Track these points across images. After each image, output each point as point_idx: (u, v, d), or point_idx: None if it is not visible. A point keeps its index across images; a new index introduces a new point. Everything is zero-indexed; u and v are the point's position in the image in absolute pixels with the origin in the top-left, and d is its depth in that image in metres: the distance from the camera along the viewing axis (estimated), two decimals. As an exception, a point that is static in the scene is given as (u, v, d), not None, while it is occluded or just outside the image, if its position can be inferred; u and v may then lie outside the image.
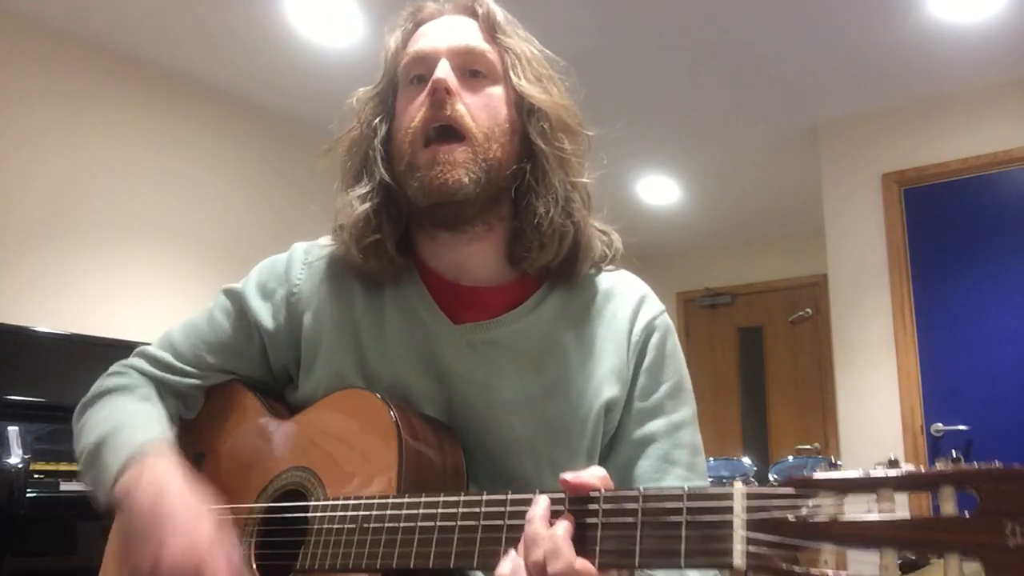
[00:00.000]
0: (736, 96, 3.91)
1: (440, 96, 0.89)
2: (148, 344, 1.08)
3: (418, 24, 0.99)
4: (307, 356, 0.97)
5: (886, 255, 3.85)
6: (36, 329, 2.92)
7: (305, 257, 1.03)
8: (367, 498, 0.80)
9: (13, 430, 2.59)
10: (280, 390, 1.03)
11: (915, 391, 3.67)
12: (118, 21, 3.34)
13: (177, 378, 1.03)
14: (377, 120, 0.97)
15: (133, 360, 1.06)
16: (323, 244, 1.03)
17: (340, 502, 0.83)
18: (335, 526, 0.81)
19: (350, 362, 0.94)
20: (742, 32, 3.37)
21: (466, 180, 0.88)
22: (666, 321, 0.99)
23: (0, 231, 3.11)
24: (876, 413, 3.72)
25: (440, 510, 0.74)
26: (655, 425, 0.93)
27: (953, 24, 3.29)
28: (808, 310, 5.16)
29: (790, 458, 3.09)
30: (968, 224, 3.73)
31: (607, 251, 1.00)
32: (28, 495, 2.48)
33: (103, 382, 1.04)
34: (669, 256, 6.34)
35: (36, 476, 2.52)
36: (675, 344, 0.99)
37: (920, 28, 3.31)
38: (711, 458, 3.21)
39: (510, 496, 0.71)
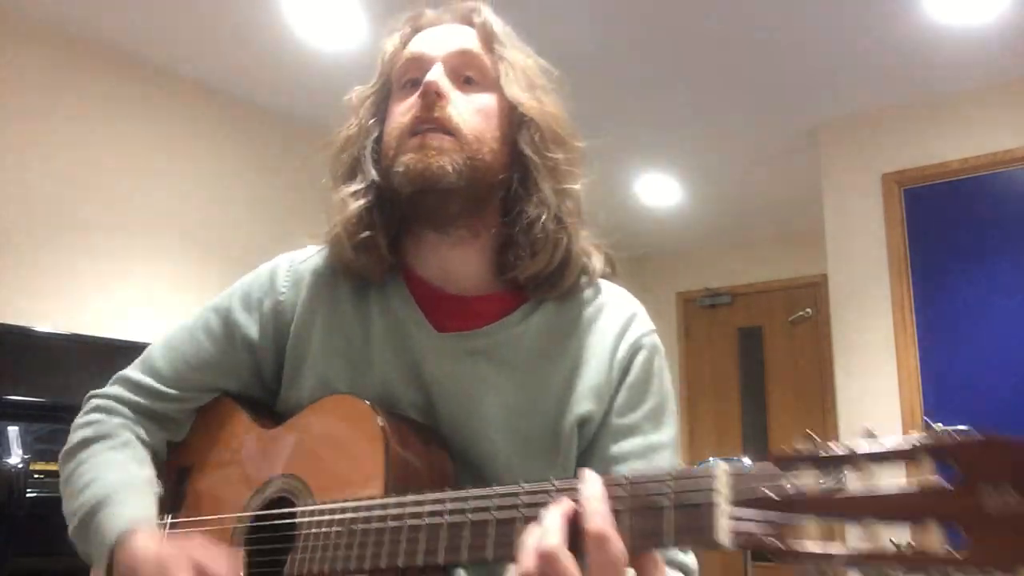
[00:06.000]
0: (736, 96, 3.91)
1: (431, 98, 0.90)
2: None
3: (416, 30, 1.00)
4: (294, 362, 0.97)
5: (886, 255, 3.85)
6: (36, 329, 2.92)
7: (290, 266, 1.02)
8: (355, 500, 0.80)
9: (13, 430, 2.59)
10: (269, 401, 1.02)
11: (915, 391, 3.67)
12: (118, 21, 3.34)
13: (163, 404, 1.01)
14: (372, 121, 0.97)
15: (113, 389, 1.03)
16: (308, 252, 1.03)
17: (327, 506, 0.82)
18: (323, 530, 0.81)
19: (338, 367, 0.94)
20: (742, 32, 3.37)
21: (449, 168, 0.88)
22: (655, 341, 0.97)
23: (0, 231, 3.12)
24: (876, 413, 3.72)
25: (427, 507, 0.74)
26: (631, 444, 0.91)
27: (953, 25, 3.29)
28: (808, 310, 5.16)
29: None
30: (968, 224, 3.73)
31: (597, 265, 0.98)
32: (28, 495, 2.48)
33: (82, 428, 1.01)
34: (669, 256, 6.34)
35: (36, 476, 2.52)
36: (662, 365, 0.97)
37: (920, 29, 3.31)
38: (711, 458, 3.21)
39: (496, 490, 0.71)
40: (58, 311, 3.17)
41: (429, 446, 0.87)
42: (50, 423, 2.66)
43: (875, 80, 3.73)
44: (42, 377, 2.82)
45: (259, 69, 3.70)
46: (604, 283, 1.00)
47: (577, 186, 0.97)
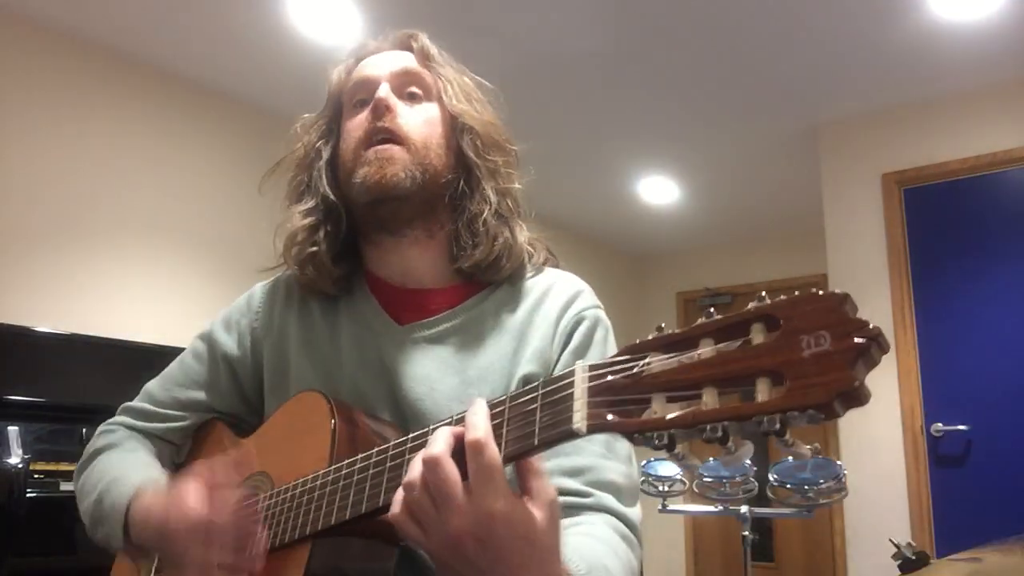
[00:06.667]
0: (736, 96, 3.92)
1: (380, 111, 1.00)
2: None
3: (360, 59, 1.10)
4: (274, 378, 1.04)
5: (886, 255, 3.85)
6: (36, 329, 2.92)
7: (264, 289, 1.12)
8: (302, 478, 0.85)
9: (13, 430, 2.59)
10: (254, 418, 1.09)
11: (915, 391, 3.67)
12: (118, 21, 3.34)
13: (159, 424, 1.10)
14: (321, 142, 1.07)
15: (118, 417, 1.13)
16: (281, 275, 1.12)
17: (280, 489, 0.88)
18: (275, 510, 0.87)
19: (314, 375, 1.01)
20: (742, 32, 3.37)
21: (403, 175, 0.97)
22: (599, 315, 1.03)
23: (0, 231, 3.12)
24: (876, 413, 3.72)
25: (358, 465, 0.79)
26: None
27: (953, 24, 3.29)
28: (808, 310, 5.16)
29: (790, 458, 3.09)
30: (968, 224, 3.73)
31: (539, 255, 1.08)
32: (28, 495, 2.48)
33: (93, 443, 1.10)
34: (669, 256, 6.34)
35: (36, 476, 2.52)
36: (605, 337, 1.02)
37: (920, 28, 3.31)
38: (711, 457, 3.21)
39: (412, 435, 0.75)
40: (58, 311, 3.17)
41: (382, 427, 0.92)
42: (50, 423, 2.66)
43: (875, 80, 3.74)
44: (42, 377, 2.82)
45: (258, 69, 3.70)
46: (555, 270, 1.09)
47: (516, 185, 1.07)
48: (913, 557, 2.17)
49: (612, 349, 1.02)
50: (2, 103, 3.18)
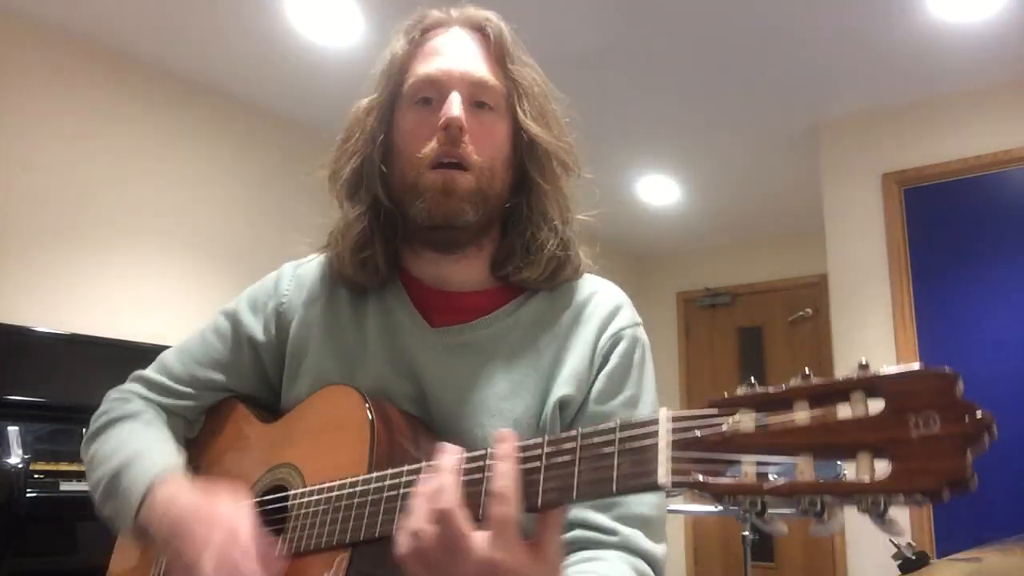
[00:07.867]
0: (736, 96, 3.91)
1: (454, 134, 0.92)
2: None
3: (425, 31, 1.00)
4: (293, 361, 1.01)
5: (886, 255, 3.85)
6: (36, 329, 2.92)
7: (294, 271, 1.08)
8: (339, 479, 0.83)
9: (13, 430, 2.59)
10: (274, 401, 1.06)
11: (915, 391, 3.67)
12: (118, 21, 3.34)
13: (174, 400, 1.06)
14: (380, 136, 0.98)
15: (131, 385, 1.09)
16: (311, 258, 1.08)
17: (315, 487, 0.85)
18: (310, 510, 0.85)
19: (334, 365, 0.97)
20: (742, 32, 3.37)
21: (467, 208, 0.93)
22: (638, 333, 0.99)
23: (0, 231, 3.12)
24: (876, 413, 3.72)
25: (404, 479, 0.77)
26: None
27: (953, 24, 3.29)
28: (808, 310, 5.17)
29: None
30: (968, 224, 3.73)
31: (584, 261, 1.03)
32: (28, 495, 2.48)
33: (107, 410, 1.06)
34: (669, 256, 6.34)
35: (36, 476, 2.52)
36: (643, 357, 0.98)
37: (920, 28, 3.31)
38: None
39: (466, 455, 0.74)
40: (58, 311, 3.17)
41: (417, 433, 0.90)
42: (50, 423, 2.66)
43: (875, 80, 3.73)
44: (42, 377, 2.82)
45: (259, 69, 3.70)
46: (593, 277, 1.04)
47: (579, 216, 1.03)
48: (913, 557, 2.17)
49: (650, 370, 0.99)
50: (2, 103, 3.18)
